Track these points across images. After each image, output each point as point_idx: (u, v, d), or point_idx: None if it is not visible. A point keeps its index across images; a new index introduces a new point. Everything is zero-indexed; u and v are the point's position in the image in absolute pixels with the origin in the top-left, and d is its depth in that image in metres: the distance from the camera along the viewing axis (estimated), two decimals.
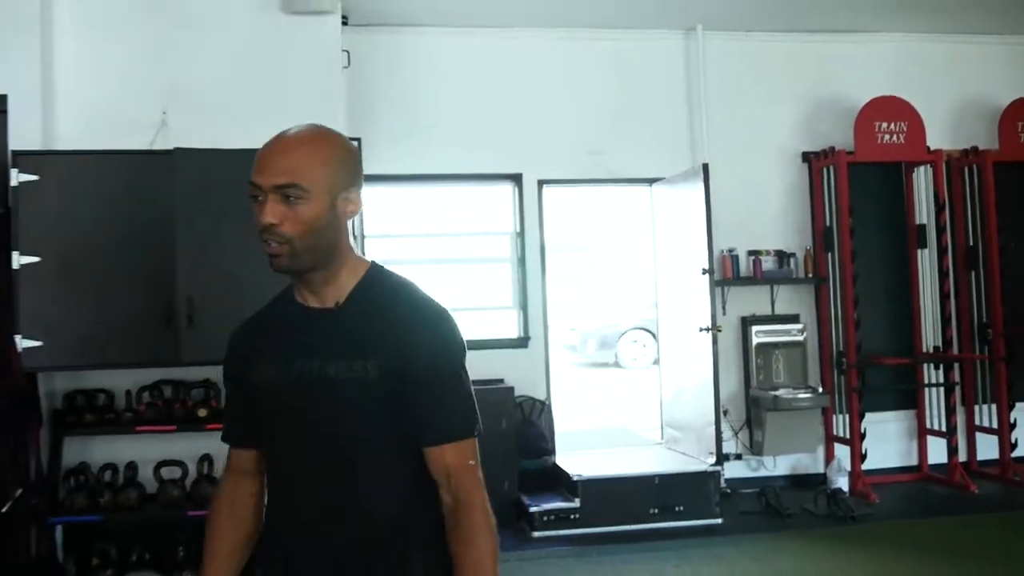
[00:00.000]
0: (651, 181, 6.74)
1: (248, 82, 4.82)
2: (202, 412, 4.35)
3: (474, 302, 6.83)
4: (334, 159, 1.56)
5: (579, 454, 6.29)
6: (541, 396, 6.39)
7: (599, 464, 6.06)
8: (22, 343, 4.02)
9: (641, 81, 6.72)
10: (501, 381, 6.14)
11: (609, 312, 13.95)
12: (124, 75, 4.69)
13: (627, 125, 6.64)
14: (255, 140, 4.29)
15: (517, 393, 6.16)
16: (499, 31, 6.43)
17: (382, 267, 1.69)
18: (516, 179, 6.50)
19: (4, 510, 3.98)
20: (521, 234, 6.51)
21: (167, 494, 4.26)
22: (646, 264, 7.28)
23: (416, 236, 6.67)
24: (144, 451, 4.40)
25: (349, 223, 1.62)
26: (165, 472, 4.31)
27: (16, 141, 4.37)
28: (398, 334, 1.56)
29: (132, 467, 4.36)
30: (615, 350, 13.19)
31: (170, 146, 4.49)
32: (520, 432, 6.06)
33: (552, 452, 6.18)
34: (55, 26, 4.62)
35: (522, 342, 6.48)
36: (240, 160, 4.01)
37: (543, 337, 6.55)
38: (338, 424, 1.57)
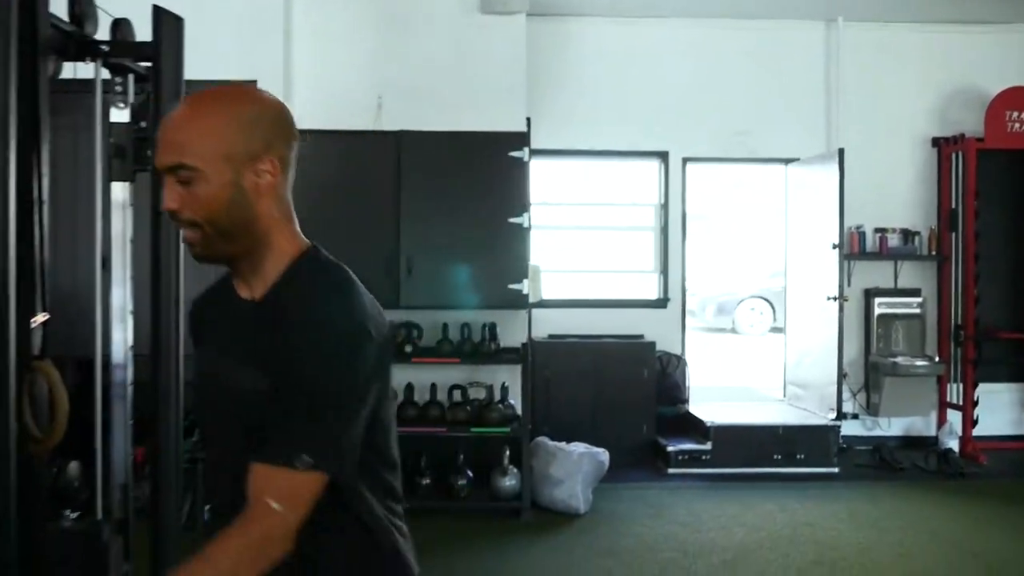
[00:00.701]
0: (787, 161, 7.33)
1: (448, 72, 5.68)
2: (407, 348, 5.28)
3: (620, 265, 7.64)
4: (229, 126, 1.34)
5: (709, 405, 7.02)
6: (677, 351, 7.14)
7: (728, 414, 6.78)
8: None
9: (782, 67, 7.29)
10: (642, 337, 6.92)
11: (727, 280, 14.53)
12: (347, 67, 5.61)
13: (767, 108, 7.24)
14: (455, 123, 5.27)
15: (656, 348, 6.92)
16: (655, 20, 7.10)
17: (317, 252, 1.45)
18: (663, 156, 7.21)
19: None
20: (665, 206, 7.23)
21: None
22: (766, 236, 7.89)
23: (573, 205, 7.49)
24: None
25: (284, 194, 1.42)
26: None
27: None
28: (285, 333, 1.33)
29: None
30: (732, 316, 13.79)
31: (385, 127, 5.41)
32: (658, 382, 6.83)
33: (686, 401, 6.95)
34: (294, 28, 5.57)
35: (662, 303, 7.24)
36: (449, 141, 4.98)
37: (680, 299, 7.28)
38: (234, 436, 1.40)
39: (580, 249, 7.68)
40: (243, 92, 1.40)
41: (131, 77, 3.03)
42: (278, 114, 1.41)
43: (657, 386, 6.77)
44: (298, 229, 1.45)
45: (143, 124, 3.05)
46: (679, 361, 7.08)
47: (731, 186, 14.17)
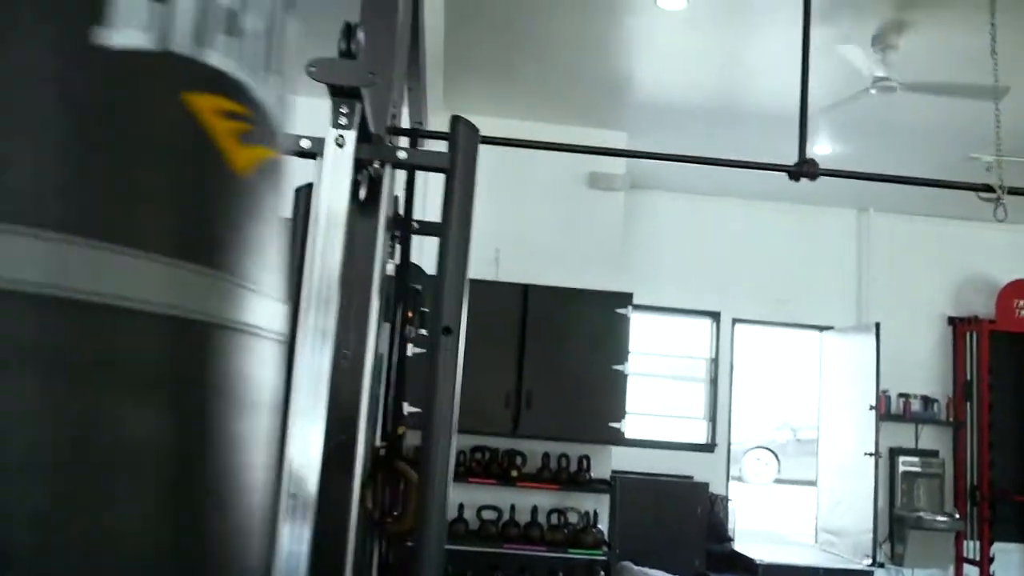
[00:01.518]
0: (822, 328, 8.26)
1: (555, 234, 6.58)
2: (513, 472, 5.94)
3: (670, 410, 8.40)
4: None
5: (750, 544, 7.66)
6: (722, 492, 7.83)
7: (771, 554, 7.41)
8: (406, 408, 5.71)
9: (819, 246, 8.34)
10: (691, 477, 7.62)
11: (734, 429, 15.25)
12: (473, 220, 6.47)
13: (806, 280, 8.23)
14: (558, 277, 6.14)
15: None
16: (711, 198, 8.16)
17: None
18: (715, 316, 8.11)
19: None
20: (715, 360, 8.07)
21: (486, 530, 5.84)
22: (771, 390, 8.69)
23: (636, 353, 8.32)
24: (469, 497, 6.00)
25: None
26: (485, 514, 5.90)
27: None
28: None
29: (460, 507, 5.96)
30: (739, 465, 14.43)
31: (500, 277, 6.26)
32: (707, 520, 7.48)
33: (731, 539, 7.59)
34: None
35: (709, 447, 7.98)
36: (566, 295, 5.72)
37: (726, 445, 8.04)
38: None
39: (637, 392, 8.46)
40: None
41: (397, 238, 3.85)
42: None
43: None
44: None
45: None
46: (725, 502, 7.76)
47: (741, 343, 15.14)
